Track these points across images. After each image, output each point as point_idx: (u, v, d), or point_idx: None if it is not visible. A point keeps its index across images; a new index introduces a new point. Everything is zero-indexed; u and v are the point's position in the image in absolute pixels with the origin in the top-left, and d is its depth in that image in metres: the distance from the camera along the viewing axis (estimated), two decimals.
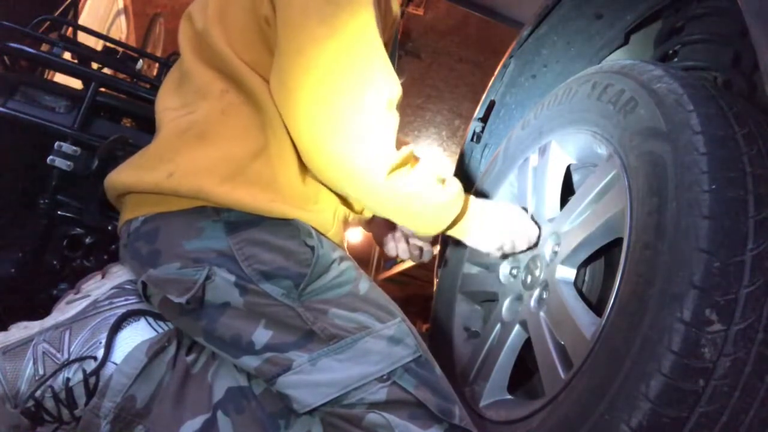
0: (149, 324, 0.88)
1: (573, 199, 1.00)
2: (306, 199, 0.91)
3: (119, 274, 0.93)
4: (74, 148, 1.28)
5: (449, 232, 1.04)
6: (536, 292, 1.02)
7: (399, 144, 0.91)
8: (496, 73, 1.48)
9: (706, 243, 0.67)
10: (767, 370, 0.66)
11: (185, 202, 0.85)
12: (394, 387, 0.80)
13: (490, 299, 1.23)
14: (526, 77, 1.47)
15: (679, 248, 0.69)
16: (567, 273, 0.97)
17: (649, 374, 0.66)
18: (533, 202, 1.13)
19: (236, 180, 0.85)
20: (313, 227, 0.89)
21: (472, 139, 1.57)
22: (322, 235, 0.91)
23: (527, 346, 1.03)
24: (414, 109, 4.53)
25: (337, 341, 0.81)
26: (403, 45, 3.88)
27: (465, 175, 1.59)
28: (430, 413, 0.80)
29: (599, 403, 0.71)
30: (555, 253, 1.01)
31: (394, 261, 6.72)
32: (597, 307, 0.99)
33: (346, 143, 0.84)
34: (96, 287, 0.91)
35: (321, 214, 0.92)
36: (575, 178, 1.16)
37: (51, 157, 1.27)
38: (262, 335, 0.81)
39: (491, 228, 1.05)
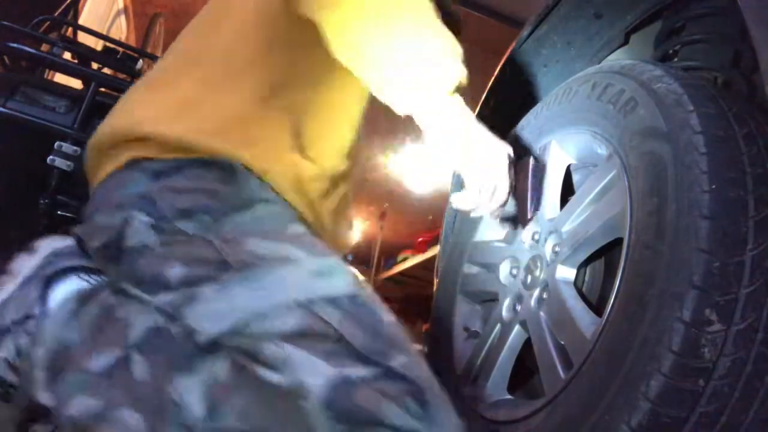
0: (81, 278, 0.87)
1: (573, 199, 1.00)
2: (254, 139, 0.89)
3: (43, 248, 0.92)
4: (74, 148, 1.28)
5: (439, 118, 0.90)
6: (536, 292, 1.02)
7: None
8: (496, 73, 1.48)
9: (706, 243, 0.67)
10: (767, 370, 0.67)
11: (124, 157, 0.86)
12: (310, 316, 0.70)
13: (490, 299, 1.23)
14: (527, 77, 1.47)
15: (679, 248, 0.69)
16: (567, 273, 0.97)
17: (649, 374, 0.66)
18: None
19: (182, 118, 0.85)
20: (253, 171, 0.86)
21: None
22: (278, 193, 0.88)
23: (527, 346, 1.03)
24: None
25: (251, 269, 0.75)
26: None
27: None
28: (355, 352, 0.68)
29: (599, 403, 0.71)
30: (555, 253, 1.01)
31: (394, 261, 6.72)
32: (597, 307, 0.99)
33: None
34: (24, 263, 0.90)
35: (266, 155, 0.89)
36: (575, 178, 1.16)
37: (51, 157, 1.27)
38: (177, 272, 0.76)
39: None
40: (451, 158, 0.94)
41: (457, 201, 0.97)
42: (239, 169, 0.84)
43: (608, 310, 0.78)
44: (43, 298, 0.83)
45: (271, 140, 0.91)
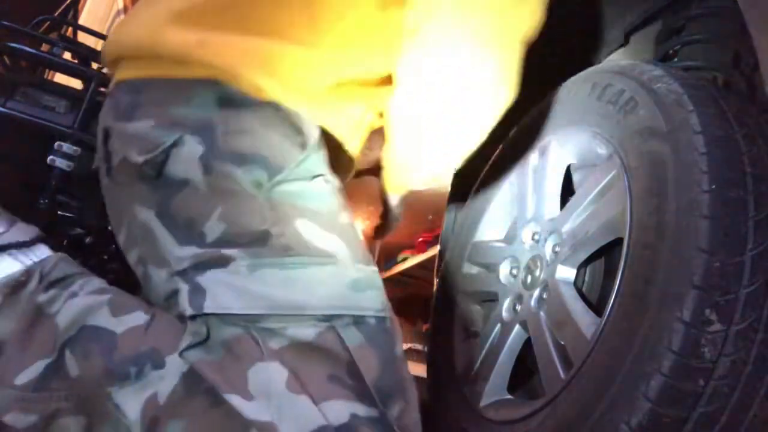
0: (12, 257, 0.77)
1: (573, 199, 1.00)
2: (335, 100, 0.82)
3: None
4: (74, 148, 1.28)
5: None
6: (536, 292, 1.02)
7: None
8: None
9: (706, 243, 0.67)
10: (767, 370, 0.67)
11: (196, 70, 0.75)
12: (330, 332, 0.65)
13: (490, 299, 1.23)
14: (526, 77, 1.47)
15: (679, 248, 0.69)
16: (567, 273, 0.97)
17: (649, 374, 0.66)
18: (533, 202, 1.14)
19: (267, 69, 0.76)
20: (328, 134, 0.81)
21: None
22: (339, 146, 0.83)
23: (527, 346, 1.03)
24: None
25: (290, 254, 0.68)
26: None
27: (465, 175, 1.59)
28: (362, 387, 0.64)
29: (599, 403, 0.71)
30: (555, 253, 1.01)
31: (395, 261, 6.72)
32: (597, 307, 0.99)
33: None
34: None
35: (348, 119, 0.84)
36: (575, 178, 1.16)
37: (51, 157, 1.27)
38: (214, 228, 0.69)
39: None
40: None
41: None
42: (312, 132, 0.77)
43: (608, 310, 0.78)
44: None
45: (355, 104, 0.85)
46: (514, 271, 1.13)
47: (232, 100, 0.74)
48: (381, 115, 0.93)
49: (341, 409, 0.62)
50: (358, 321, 0.67)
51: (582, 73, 1.07)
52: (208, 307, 0.66)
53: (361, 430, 0.62)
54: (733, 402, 0.65)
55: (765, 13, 0.71)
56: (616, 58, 1.31)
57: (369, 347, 0.67)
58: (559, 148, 1.09)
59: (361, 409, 0.63)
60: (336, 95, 0.82)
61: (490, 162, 1.39)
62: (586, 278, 1.05)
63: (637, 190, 0.80)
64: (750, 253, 0.67)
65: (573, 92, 1.06)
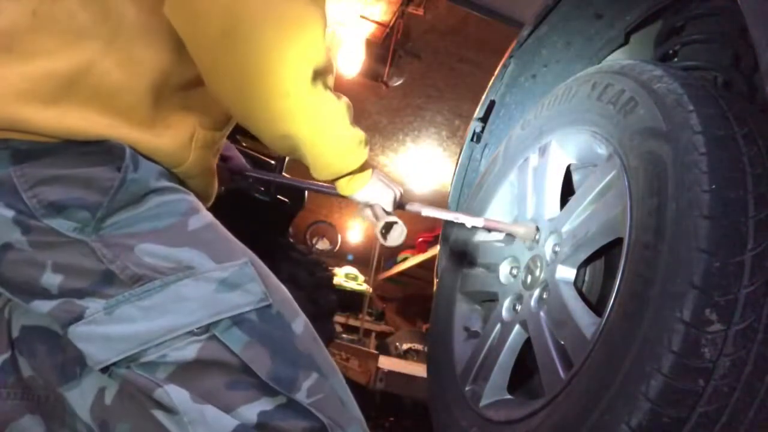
0: None
1: (573, 199, 1.00)
2: (154, 121, 0.73)
3: None
4: None
5: (343, 182, 0.86)
6: (536, 292, 1.02)
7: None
8: (496, 73, 1.48)
9: (706, 243, 0.67)
10: (767, 370, 0.67)
11: None
12: (211, 343, 0.64)
13: (491, 299, 1.23)
14: (526, 77, 1.47)
15: (679, 248, 0.69)
16: (567, 273, 0.97)
17: (649, 374, 0.66)
18: (533, 202, 1.14)
19: (64, 101, 0.67)
20: (155, 157, 0.72)
21: (472, 139, 1.57)
22: (172, 170, 0.75)
23: (527, 346, 1.03)
24: (414, 109, 4.53)
25: (141, 284, 0.65)
26: (403, 45, 3.88)
27: (465, 175, 1.59)
28: (260, 382, 0.64)
29: (599, 403, 0.71)
30: (555, 253, 1.01)
31: (394, 261, 6.73)
32: (597, 307, 0.99)
33: (279, 28, 0.67)
34: None
35: (174, 138, 0.75)
36: (575, 178, 1.16)
37: None
38: (52, 280, 0.65)
39: (375, 187, 0.91)
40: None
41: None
42: (124, 152, 0.69)
43: (608, 310, 0.78)
44: None
45: (181, 123, 0.77)
46: (514, 271, 1.13)
47: (25, 152, 0.67)
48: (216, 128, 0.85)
49: (249, 411, 0.63)
50: (237, 321, 0.66)
51: (582, 73, 1.07)
52: (91, 364, 0.65)
53: (274, 424, 0.63)
54: (733, 402, 0.65)
55: (765, 13, 0.71)
56: (616, 58, 1.31)
57: (256, 344, 0.66)
58: (559, 148, 1.09)
59: (267, 403, 0.64)
60: (154, 109, 0.74)
61: (490, 162, 1.39)
62: (586, 278, 1.05)
63: (637, 190, 0.80)
64: (750, 253, 0.67)
65: (573, 92, 1.06)
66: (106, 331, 0.64)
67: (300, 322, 0.71)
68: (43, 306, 0.66)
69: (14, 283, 0.68)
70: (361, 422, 0.70)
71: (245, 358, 0.65)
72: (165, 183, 0.73)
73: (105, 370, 0.66)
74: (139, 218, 0.68)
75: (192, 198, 0.75)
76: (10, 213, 0.65)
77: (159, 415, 0.63)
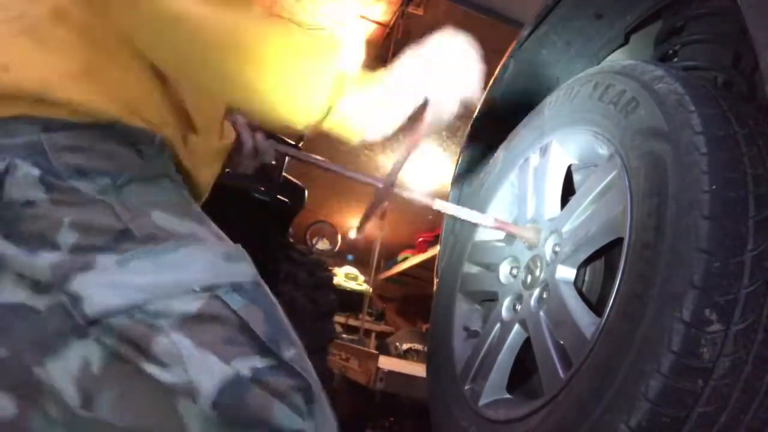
0: None
1: (574, 199, 1.00)
2: (168, 114, 0.80)
3: None
4: None
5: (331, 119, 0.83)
6: (536, 292, 1.02)
7: None
8: (496, 73, 1.48)
9: (706, 243, 0.67)
10: (767, 370, 0.67)
11: (7, 107, 0.71)
12: (213, 300, 0.69)
13: (490, 299, 1.23)
14: (526, 77, 1.47)
15: (679, 248, 0.69)
16: (567, 273, 0.97)
17: (649, 374, 0.66)
18: (534, 202, 1.14)
19: (90, 77, 0.73)
20: (164, 143, 0.79)
21: (472, 139, 1.57)
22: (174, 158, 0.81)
23: (527, 346, 1.03)
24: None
25: (156, 243, 0.69)
26: (403, 45, 3.88)
27: (465, 175, 1.59)
28: (255, 341, 0.68)
29: (598, 403, 0.71)
30: (555, 253, 1.01)
31: (394, 261, 6.73)
32: (597, 307, 0.99)
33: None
34: None
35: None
36: (576, 178, 1.16)
37: None
38: (67, 236, 0.68)
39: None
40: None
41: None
42: (151, 141, 0.77)
43: (608, 310, 0.78)
44: None
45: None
46: (514, 271, 1.13)
47: (57, 125, 0.72)
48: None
49: (243, 365, 0.66)
50: (236, 288, 0.71)
51: (584, 73, 1.07)
52: (90, 312, 0.65)
53: (265, 379, 0.67)
54: (732, 402, 0.66)
55: (765, 13, 0.71)
56: (615, 58, 1.31)
57: (253, 306, 0.71)
58: (560, 149, 1.10)
59: (259, 361, 0.68)
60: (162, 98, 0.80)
61: (491, 162, 1.39)
62: (586, 278, 1.05)
63: (637, 190, 0.80)
64: (750, 254, 0.67)
65: (574, 92, 1.06)
66: (117, 279, 0.67)
67: (279, 307, 0.77)
68: (50, 257, 0.68)
69: (25, 236, 0.69)
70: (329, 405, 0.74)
71: (244, 315, 0.69)
72: (175, 173, 0.81)
73: (93, 326, 0.65)
74: (155, 192, 0.75)
75: (188, 194, 0.82)
76: (36, 172, 0.69)
77: (152, 369, 0.64)
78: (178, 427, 0.64)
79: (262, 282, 0.75)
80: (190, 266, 0.70)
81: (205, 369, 0.65)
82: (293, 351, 0.71)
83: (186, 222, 0.74)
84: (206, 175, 0.93)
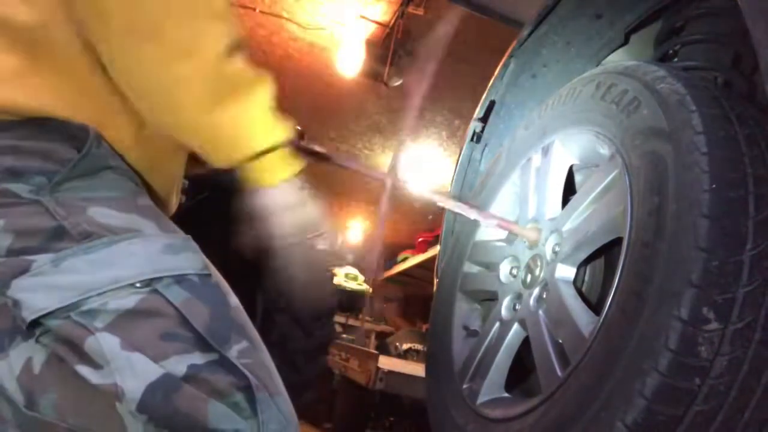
0: None
1: (574, 198, 1.00)
2: (112, 106, 0.76)
3: None
4: None
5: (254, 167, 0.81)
6: (536, 291, 1.02)
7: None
8: (496, 73, 1.48)
9: (705, 242, 0.67)
10: (764, 369, 0.67)
11: None
12: (152, 295, 0.66)
13: (490, 298, 1.23)
14: (526, 77, 1.47)
15: (678, 247, 0.69)
16: (567, 272, 0.97)
17: (646, 372, 0.66)
18: (535, 202, 1.14)
19: (23, 78, 0.71)
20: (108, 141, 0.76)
21: (472, 139, 1.57)
22: (120, 154, 0.78)
23: (525, 345, 1.03)
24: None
25: (91, 240, 0.67)
26: (403, 45, 3.88)
27: (465, 175, 1.59)
28: (195, 336, 0.65)
29: (595, 401, 0.71)
30: (555, 252, 1.01)
31: (395, 261, 6.73)
32: (597, 307, 0.99)
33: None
34: None
35: (127, 127, 0.78)
36: (577, 178, 1.16)
37: None
38: (1, 240, 0.67)
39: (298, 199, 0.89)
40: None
41: None
42: (87, 132, 0.73)
43: (606, 308, 0.78)
44: None
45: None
46: (515, 271, 1.13)
47: None
48: None
49: (179, 362, 0.64)
50: (179, 280, 0.68)
51: (586, 74, 1.07)
52: (27, 315, 0.64)
53: (202, 376, 0.64)
54: (729, 401, 0.66)
55: (765, 13, 0.71)
56: (615, 58, 1.31)
57: (196, 299, 0.68)
58: (562, 148, 1.10)
59: (199, 357, 0.65)
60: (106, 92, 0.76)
61: (493, 161, 1.39)
62: (586, 277, 1.05)
63: (638, 189, 0.80)
64: (749, 253, 0.67)
65: (577, 92, 1.06)
66: (51, 280, 0.65)
67: (233, 298, 0.74)
68: None
69: None
70: (287, 400, 0.70)
71: (184, 310, 0.66)
72: (120, 163, 0.77)
73: (35, 327, 0.65)
74: (94, 186, 0.72)
75: (139, 184, 0.79)
76: None
77: (84, 371, 0.63)
78: (119, 429, 0.62)
79: (214, 272, 0.72)
80: (127, 261, 0.67)
81: (130, 370, 0.62)
82: (243, 345, 0.68)
83: (127, 215, 0.71)
84: (169, 165, 0.90)
